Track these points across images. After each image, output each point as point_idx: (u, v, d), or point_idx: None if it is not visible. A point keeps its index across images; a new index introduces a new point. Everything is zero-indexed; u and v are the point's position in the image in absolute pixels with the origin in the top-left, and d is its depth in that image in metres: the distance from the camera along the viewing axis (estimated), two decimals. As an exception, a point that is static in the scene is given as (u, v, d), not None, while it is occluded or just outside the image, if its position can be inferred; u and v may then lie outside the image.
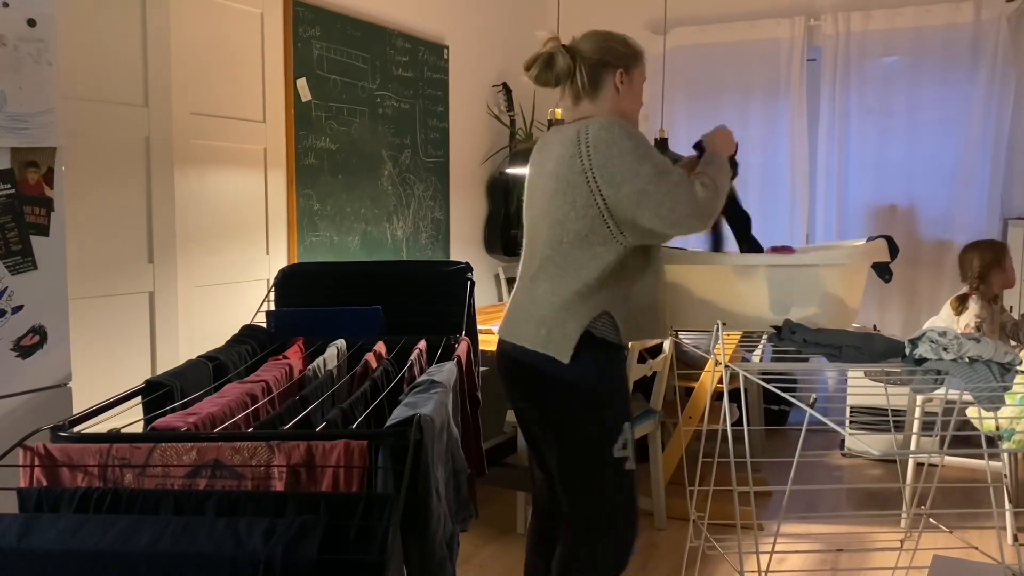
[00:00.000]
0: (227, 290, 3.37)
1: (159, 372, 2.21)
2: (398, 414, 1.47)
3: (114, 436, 1.48)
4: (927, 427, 3.66)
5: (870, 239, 2.92)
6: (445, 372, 1.79)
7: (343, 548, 1.22)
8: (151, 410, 1.82)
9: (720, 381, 2.41)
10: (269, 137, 3.54)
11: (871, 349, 2.37)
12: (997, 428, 3.19)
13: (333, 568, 1.20)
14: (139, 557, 1.18)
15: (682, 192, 2.04)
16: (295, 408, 1.75)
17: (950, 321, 3.81)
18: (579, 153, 2.09)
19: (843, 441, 4.57)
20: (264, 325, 2.47)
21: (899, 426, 4.16)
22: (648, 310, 2.21)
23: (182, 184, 3.14)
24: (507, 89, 5.02)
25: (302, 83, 3.66)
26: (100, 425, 1.62)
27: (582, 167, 2.08)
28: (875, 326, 4.81)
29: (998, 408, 2.22)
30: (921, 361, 2.29)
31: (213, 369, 2.05)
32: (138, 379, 1.96)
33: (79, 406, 2.22)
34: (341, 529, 1.24)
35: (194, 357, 2.10)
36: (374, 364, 2.09)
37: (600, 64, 2.19)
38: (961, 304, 3.81)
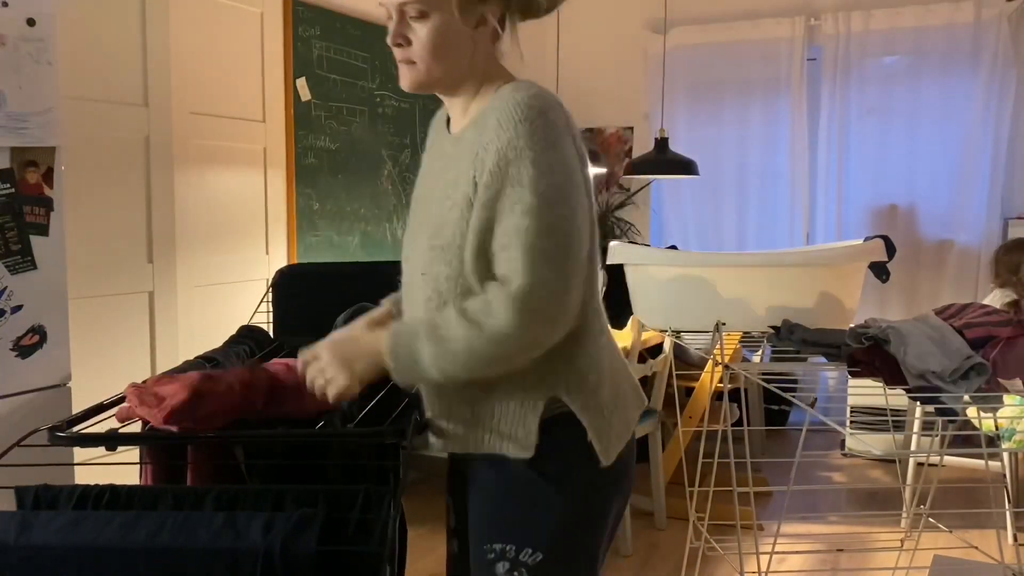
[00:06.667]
0: (227, 290, 3.37)
1: (158, 372, 2.21)
2: (397, 412, 1.47)
3: (112, 436, 1.47)
4: (927, 427, 3.66)
5: (867, 239, 2.93)
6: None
7: (342, 541, 1.22)
8: (150, 409, 1.82)
9: (720, 381, 2.41)
10: (269, 137, 3.54)
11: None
12: (997, 428, 3.19)
13: (332, 560, 1.20)
14: (138, 552, 1.18)
15: None
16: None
17: None
18: None
19: (843, 441, 4.57)
20: (262, 326, 2.47)
21: (899, 426, 4.16)
22: None
23: (182, 184, 3.14)
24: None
25: (302, 83, 3.66)
26: (99, 425, 1.62)
27: None
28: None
29: (997, 408, 2.22)
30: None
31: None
32: (137, 379, 1.96)
33: (79, 406, 2.21)
34: (340, 522, 1.24)
35: (192, 358, 2.10)
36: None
37: None
38: (1014, 308, 3.77)
